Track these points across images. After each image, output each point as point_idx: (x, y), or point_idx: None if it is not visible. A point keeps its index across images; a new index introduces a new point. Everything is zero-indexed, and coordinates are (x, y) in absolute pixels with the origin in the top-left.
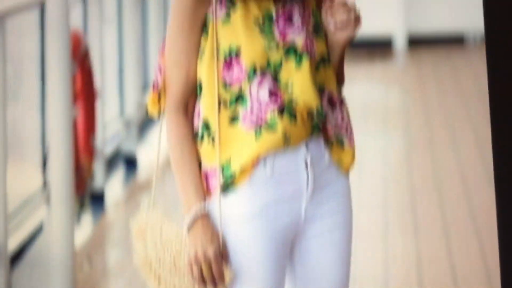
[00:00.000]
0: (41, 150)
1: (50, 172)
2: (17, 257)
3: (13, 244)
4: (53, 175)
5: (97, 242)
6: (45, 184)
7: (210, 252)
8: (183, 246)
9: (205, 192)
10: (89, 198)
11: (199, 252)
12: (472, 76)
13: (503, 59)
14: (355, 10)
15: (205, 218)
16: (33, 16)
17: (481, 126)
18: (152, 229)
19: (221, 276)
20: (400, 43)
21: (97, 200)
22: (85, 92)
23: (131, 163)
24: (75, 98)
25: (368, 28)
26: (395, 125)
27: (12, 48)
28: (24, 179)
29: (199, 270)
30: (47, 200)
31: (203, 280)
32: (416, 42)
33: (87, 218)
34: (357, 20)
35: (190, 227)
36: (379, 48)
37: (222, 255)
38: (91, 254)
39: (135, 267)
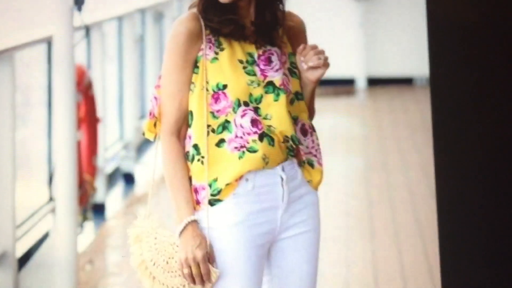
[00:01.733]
0: (48, 168)
1: (56, 187)
2: (26, 260)
3: (22, 248)
4: (58, 190)
5: (98, 247)
6: (51, 198)
7: (199, 255)
8: (175, 250)
9: (194, 204)
10: (92, 209)
11: (189, 254)
12: (418, 111)
13: (444, 98)
14: (324, 55)
15: (195, 225)
16: (41, 49)
17: (425, 151)
18: (148, 235)
19: (208, 275)
20: (361, 83)
21: (99, 211)
22: (88, 118)
23: (129, 180)
24: (79, 123)
25: (335, 70)
26: (356, 150)
27: (21, 78)
28: (32, 194)
29: (189, 270)
30: (53, 211)
31: (192, 279)
32: (374, 82)
33: (90, 227)
34: (325, 62)
35: (181, 233)
36: (343, 86)
37: (209, 257)
38: (92, 257)
39: (132, 268)
